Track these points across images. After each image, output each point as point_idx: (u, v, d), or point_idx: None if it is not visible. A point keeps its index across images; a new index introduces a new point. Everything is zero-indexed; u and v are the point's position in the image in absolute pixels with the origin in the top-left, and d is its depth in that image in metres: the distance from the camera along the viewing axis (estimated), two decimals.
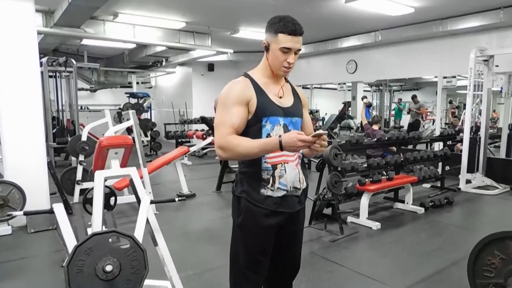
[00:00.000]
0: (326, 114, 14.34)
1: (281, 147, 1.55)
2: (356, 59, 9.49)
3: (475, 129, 6.73)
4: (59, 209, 2.26)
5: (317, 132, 1.55)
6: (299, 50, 1.69)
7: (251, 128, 1.68)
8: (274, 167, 1.71)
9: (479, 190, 6.28)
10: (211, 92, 11.41)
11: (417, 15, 6.75)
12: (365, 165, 4.89)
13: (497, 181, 6.43)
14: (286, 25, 1.64)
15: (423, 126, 12.93)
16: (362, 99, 7.44)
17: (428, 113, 15.11)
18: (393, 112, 13.99)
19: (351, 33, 8.59)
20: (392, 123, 13.97)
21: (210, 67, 12.44)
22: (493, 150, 9.66)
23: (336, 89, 11.75)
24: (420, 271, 3.35)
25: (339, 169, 4.36)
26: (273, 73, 1.74)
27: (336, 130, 11.59)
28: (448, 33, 7.34)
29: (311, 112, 14.08)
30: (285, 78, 1.82)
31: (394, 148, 6.29)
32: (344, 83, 10.29)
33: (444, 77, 7.70)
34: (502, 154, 8.05)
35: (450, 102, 12.86)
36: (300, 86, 9.36)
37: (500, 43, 6.81)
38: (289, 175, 1.73)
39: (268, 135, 1.68)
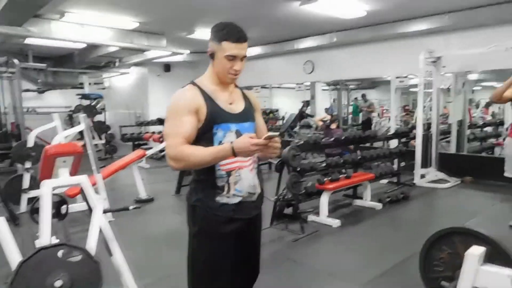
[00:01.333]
0: (286, 113, 14.48)
1: (234, 153, 1.54)
2: (313, 59, 9.65)
3: (427, 126, 7.05)
4: None
5: (269, 134, 1.54)
6: (245, 56, 1.69)
7: (203, 137, 1.65)
8: (229, 173, 1.70)
9: (432, 184, 6.56)
10: (168, 93, 11.17)
11: (370, 18, 6.97)
12: (324, 164, 4.97)
13: (449, 175, 6.75)
14: (230, 32, 1.64)
15: (380, 123, 13.40)
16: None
17: (385, 111, 15.69)
18: (351, 110, 14.37)
19: (307, 34, 8.72)
20: (350, 121, 14.36)
21: (167, 67, 12.22)
22: (446, 145, 10.17)
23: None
24: (380, 265, 3.45)
25: (298, 169, 4.41)
26: (221, 80, 1.73)
27: (296, 129, 11.74)
28: (399, 35, 7.63)
29: (271, 112, 14.18)
30: (235, 84, 1.82)
31: (352, 147, 6.46)
32: (302, 83, 10.43)
33: (397, 77, 8.00)
34: (452, 149, 8.47)
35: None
36: (258, 86, 9.45)
37: (446, 45, 7.18)
38: (244, 180, 1.72)
39: (220, 143, 1.66)
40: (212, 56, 1.69)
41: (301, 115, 11.42)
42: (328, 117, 7.02)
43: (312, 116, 11.24)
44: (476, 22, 6.60)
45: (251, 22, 7.48)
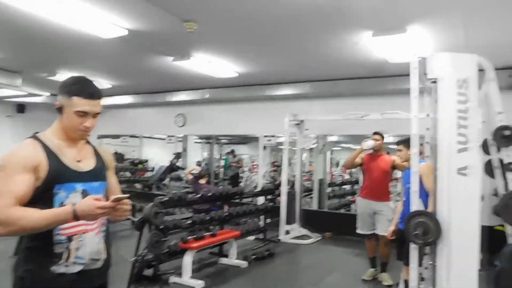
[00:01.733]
0: (156, 164, 14.20)
1: (77, 217, 1.45)
2: (186, 113, 9.83)
3: (292, 183, 7.64)
4: None
5: (117, 196, 1.51)
6: (98, 113, 1.65)
7: (41, 197, 1.52)
8: (70, 238, 1.57)
9: (296, 240, 7.00)
10: (19, 137, 10.11)
11: (241, 79, 7.50)
12: (190, 221, 4.97)
13: (312, 231, 7.30)
14: (82, 88, 1.60)
15: (250, 178, 14.00)
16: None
17: (255, 166, 16.50)
18: (223, 163, 14.76)
19: (180, 88, 8.93)
20: (222, 175, 14.69)
21: (20, 108, 11.13)
22: (310, 201, 11.02)
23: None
24: None
25: (161, 227, 4.33)
26: (68, 136, 1.66)
27: (166, 181, 11.56)
28: (268, 97, 8.36)
29: (140, 162, 13.76)
30: (86, 140, 1.75)
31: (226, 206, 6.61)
32: (173, 136, 10.48)
33: (265, 136, 8.63)
34: (314, 205, 9.25)
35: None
36: (127, 135, 9.13)
37: (309, 110, 8.09)
38: (88, 246, 1.61)
39: (62, 204, 1.54)
40: (60, 110, 1.63)
41: (172, 167, 11.35)
42: (197, 168, 7.13)
43: (183, 168, 11.27)
44: (334, 92, 7.61)
45: (122, 71, 7.41)
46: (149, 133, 11.84)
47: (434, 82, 2.84)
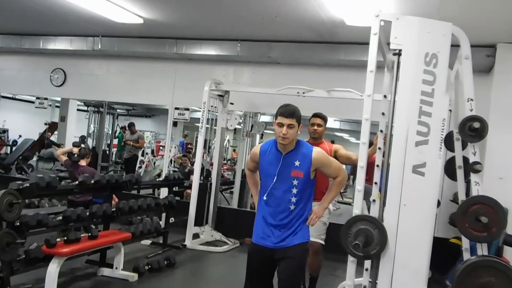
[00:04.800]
0: (20, 137, 13.53)
1: None
2: (67, 68, 9.42)
3: (207, 173, 7.60)
4: None
5: None
6: None
7: None
8: None
9: (207, 246, 7.04)
10: None
11: (147, 28, 7.31)
12: (60, 217, 4.79)
13: (227, 235, 7.38)
14: None
15: (154, 164, 13.84)
16: (74, 146, 7.33)
17: (161, 148, 16.34)
18: (116, 142, 14.42)
19: (59, 32, 8.54)
20: (114, 157, 14.37)
21: None
22: (228, 196, 11.12)
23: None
24: None
25: (17, 224, 4.13)
26: None
27: (32, 161, 11.04)
28: (183, 57, 8.23)
29: None
30: None
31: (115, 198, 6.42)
32: (46, 98, 9.93)
33: (176, 108, 8.47)
34: (234, 203, 9.34)
35: (185, 137, 14.25)
36: None
37: (236, 78, 8.06)
38: None
39: None
40: None
41: (42, 142, 10.86)
42: (76, 150, 6.83)
43: (59, 145, 10.80)
44: (270, 57, 7.65)
45: None
46: (11, 91, 11.13)
47: (397, 54, 2.92)
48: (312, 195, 3.29)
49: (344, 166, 3.64)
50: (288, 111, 3.07)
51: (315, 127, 4.92)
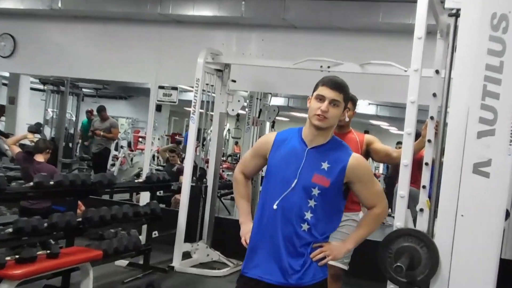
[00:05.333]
0: None
1: None
2: (16, 34, 9.47)
3: (200, 173, 7.58)
4: None
5: None
6: None
7: None
8: None
9: (201, 269, 7.03)
10: None
11: None
12: (11, 229, 4.83)
13: (228, 255, 7.36)
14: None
15: (131, 160, 13.85)
16: (30, 131, 7.32)
17: (141, 140, 16.33)
18: (80, 132, 14.43)
19: None
20: (79, 150, 14.37)
21: None
22: (229, 203, 11.08)
23: None
24: None
25: None
26: None
27: None
28: (170, 18, 8.26)
29: None
30: None
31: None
32: None
33: (161, 87, 8.45)
34: (236, 212, 9.32)
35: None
36: None
37: (240, 48, 8.05)
38: None
39: None
40: None
41: None
42: (33, 138, 6.85)
43: (7, 135, 10.85)
44: (285, 18, 7.61)
45: None
46: None
47: (455, 15, 2.89)
48: (340, 215, 2.95)
49: (381, 165, 3.56)
50: (335, 83, 2.77)
51: None
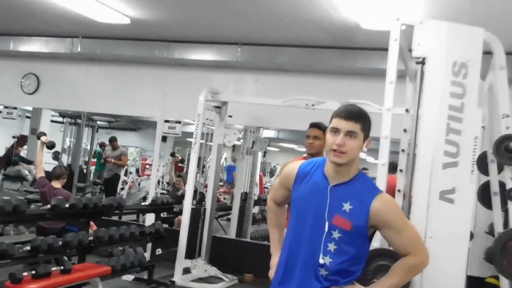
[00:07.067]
0: None
1: None
2: (40, 73, 9.43)
3: (200, 197, 7.58)
4: None
5: None
6: None
7: None
8: None
9: (199, 283, 6.94)
10: None
11: (135, 29, 7.36)
12: (28, 247, 4.79)
13: (224, 271, 7.26)
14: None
15: (138, 185, 13.83)
16: (39, 137, 7.32)
17: (148, 166, 16.32)
18: (94, 160, 14.40)
19: (33, 32, 8.57)
20: (92, 176, 14.32)
21: None
22: (225, 223, 11.01)
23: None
24: None
25: None
26: None
27: None
28: (175, 62, 8.28)
29: None
30: None
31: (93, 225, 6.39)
32: (15, 108, 9.95)
33: (166, 121, 8.47)
34: (232, 232, 9.27)
35: (172, 155, 14.23)
36: None
37: (237, 87, 8.09)
38: None
39: None
40: None
41: (8, 158, 10.87)
42: (44, 139, 6.80)
43: (30, 162, 10.81)
44: (276, 63, 7.71)
45: None
46: None
47: (421, 63, 2.93)
48: (364, 264, 2.44)
49: None
50: (350, 112, 2.30)
51: (311, 140, 4.67)
